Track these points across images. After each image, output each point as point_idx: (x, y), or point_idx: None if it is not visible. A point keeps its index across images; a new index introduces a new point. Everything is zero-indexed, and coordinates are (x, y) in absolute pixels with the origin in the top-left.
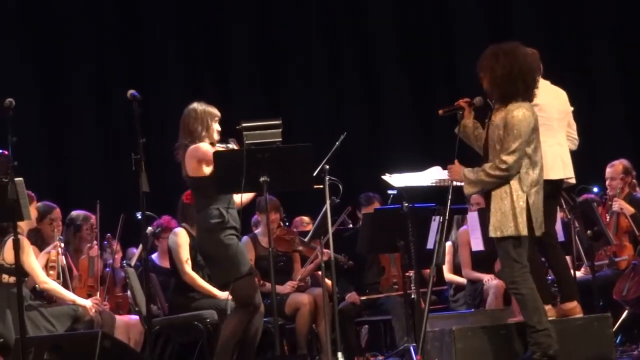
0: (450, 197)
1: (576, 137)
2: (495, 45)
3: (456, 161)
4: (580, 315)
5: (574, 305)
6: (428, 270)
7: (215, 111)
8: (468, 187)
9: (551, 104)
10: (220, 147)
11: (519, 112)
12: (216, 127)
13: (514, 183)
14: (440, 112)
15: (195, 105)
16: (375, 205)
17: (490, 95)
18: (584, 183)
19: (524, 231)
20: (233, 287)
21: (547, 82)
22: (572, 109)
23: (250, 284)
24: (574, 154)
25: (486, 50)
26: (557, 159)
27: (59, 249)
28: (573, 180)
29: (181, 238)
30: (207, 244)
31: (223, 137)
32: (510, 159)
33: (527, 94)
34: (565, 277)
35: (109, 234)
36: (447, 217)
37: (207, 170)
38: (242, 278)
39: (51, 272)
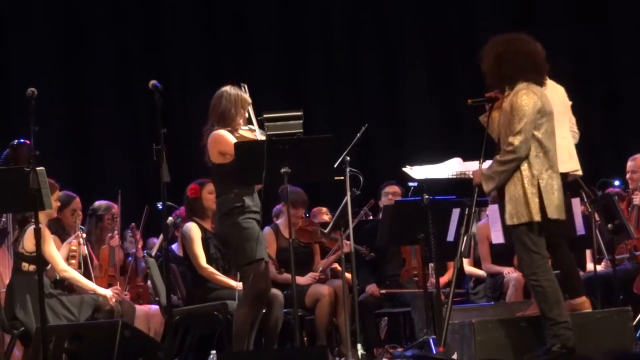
0: (476, 189)
1: (576, 130)
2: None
3: (479, 166)
4: (590, 310)
5: (582, 300)
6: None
7: (247, 98)
8: (486, 185)
9: (550, 97)
10: (244, 129)
11: (523, 94)
12: (245, 114)
13: (524, 168)
14: (470, 101)
15: (228, 88)
16: (394, 187)
17: (492, 84)
18: (606, 176)
19: (537, 216)
20: (241, 272)
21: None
22: (570, 103)
23: (258, 271)
24: (595, 147)
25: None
26: (563, 152)
27: (80, 239)
28: (580, 172)
29: (193, 232)
30: (224, 227)
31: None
32: (515, 140)
33: (528, 74)
34: (571, 274)
35: (133, 224)
36: (473, 209)
37: (228, 157)
38: (251, 264)
39: (72, 261)
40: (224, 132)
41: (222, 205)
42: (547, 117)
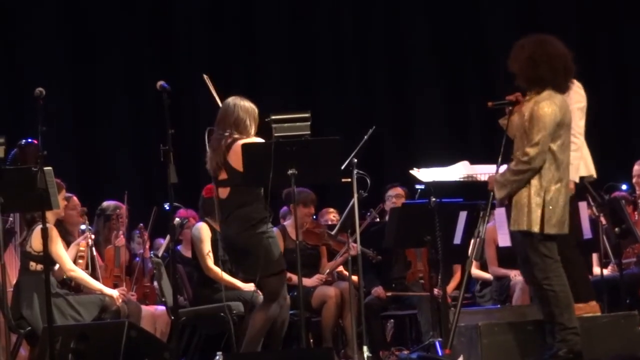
0: (492, 192)
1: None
2: (522, 39)
3: (496, 170)
4: (588, 314)
5: (584, 305)
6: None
7: (256, 110)
8: (498, 192)
9: (577, 101)
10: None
11: (545, 104)
12: (256, 126)
13: (533, 178)
14: (490, 104)
15: (240, 100)
16: (398, 189)
17: (523, 87)
18: (613, 180)
19: (536, 227)
20: (266, 282)
21: None
22: None
23: (283, 280)
24: (603, 151)
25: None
26: (588, 156)
27: (89, 240)
28: (594, 176)
29: (204, 233)
30: (251, 237)
31: None
32: (532, 151)
33: (555, 81)
34: (575, 278)
35: (141, 224)
36: (488, 213)
37: None
38: (277, 274)
39: (80, 261)
40: (256, 139)
41: (250, 216)
42: (565, 128)
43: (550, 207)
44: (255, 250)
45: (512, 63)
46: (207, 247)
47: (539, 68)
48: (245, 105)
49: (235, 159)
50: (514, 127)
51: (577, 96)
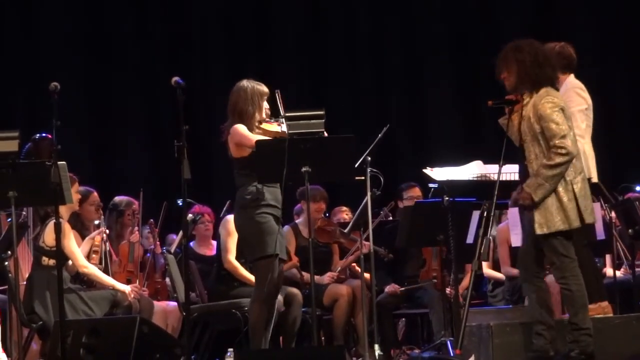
0: (496, 192)
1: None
2: (511, 43)
3: (498, 174)
4: (610, 315)
5: (596, 306)
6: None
7: (264, 89)
8: (536, 194)
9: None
10: (268, 122)
11: (549, 99)
12: (265, 105)
13: None
14: (490, 103)
15: (245, 83)
16: (416, 190)
17: (519, 88)
18: (627, 181)
19: (576, 222)
20: (254, 266)
21: None
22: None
23: (271, 266)
24: (618, 152)
25: (504, 49)
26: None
27: (104, 235)
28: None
29: (230, 226)
30: (240, 220)
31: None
32: (567, 142)
33: (553, 80)
34: (586, 279)
35: (151, 220)
36: (492, 212)
37: (248, 150)
38: (265, 258)
39: (94, 256)
40: (241, 126)
41: (239, 198)
42: (570, 120)
43: (582, 199)
44: (244, 232)
45: (510, 65)
46: (232, 241)
47: (544, 68)
48: (247, 90)
49: (230, 144)
50: (515, 127)
51: (578, 99)
